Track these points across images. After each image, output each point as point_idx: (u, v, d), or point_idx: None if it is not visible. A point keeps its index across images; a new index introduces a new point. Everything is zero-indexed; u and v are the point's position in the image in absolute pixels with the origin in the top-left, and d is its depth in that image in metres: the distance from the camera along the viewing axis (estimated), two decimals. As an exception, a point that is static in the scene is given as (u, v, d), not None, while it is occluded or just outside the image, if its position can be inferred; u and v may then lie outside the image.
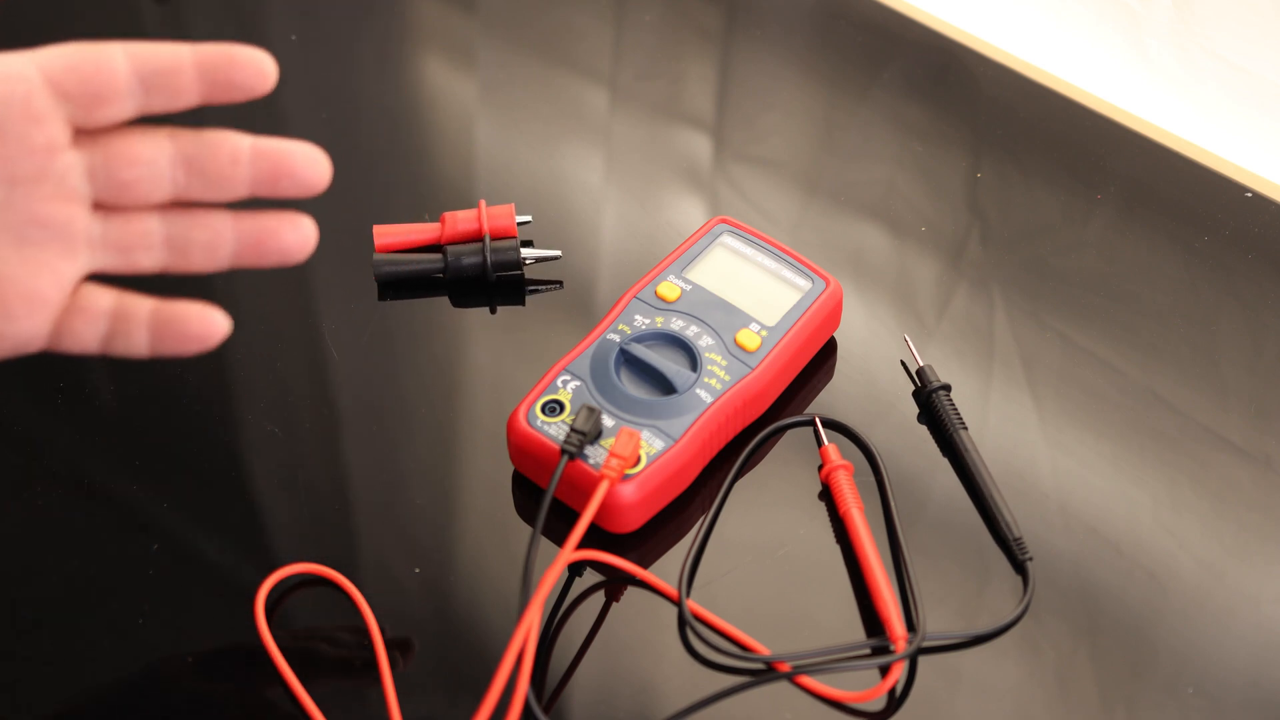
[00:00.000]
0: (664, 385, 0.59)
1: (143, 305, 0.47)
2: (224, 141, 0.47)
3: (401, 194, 0.75)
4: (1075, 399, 0.64)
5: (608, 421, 0.58)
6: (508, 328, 0.68)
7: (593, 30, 0.85)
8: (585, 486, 0.56)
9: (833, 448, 0.60)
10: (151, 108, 0.46)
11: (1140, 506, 0.60)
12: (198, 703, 0.54)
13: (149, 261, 0.47)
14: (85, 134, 0.45)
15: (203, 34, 0.85)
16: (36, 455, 0.62)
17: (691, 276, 0.64)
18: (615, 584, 0.57)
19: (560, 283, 0.69)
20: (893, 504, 0.59)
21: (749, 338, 0.61)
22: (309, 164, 0.48)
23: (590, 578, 0.57)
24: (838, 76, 0.82)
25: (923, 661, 0.55)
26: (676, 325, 0.61)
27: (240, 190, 0.48)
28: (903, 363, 0.65)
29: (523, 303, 0.68)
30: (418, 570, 0.58)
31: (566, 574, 0.57)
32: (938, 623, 0.55)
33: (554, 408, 0.58)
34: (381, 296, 0.68)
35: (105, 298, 0.46)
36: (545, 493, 0.54)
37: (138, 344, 0.47)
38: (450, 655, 0.56)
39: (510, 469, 0.60)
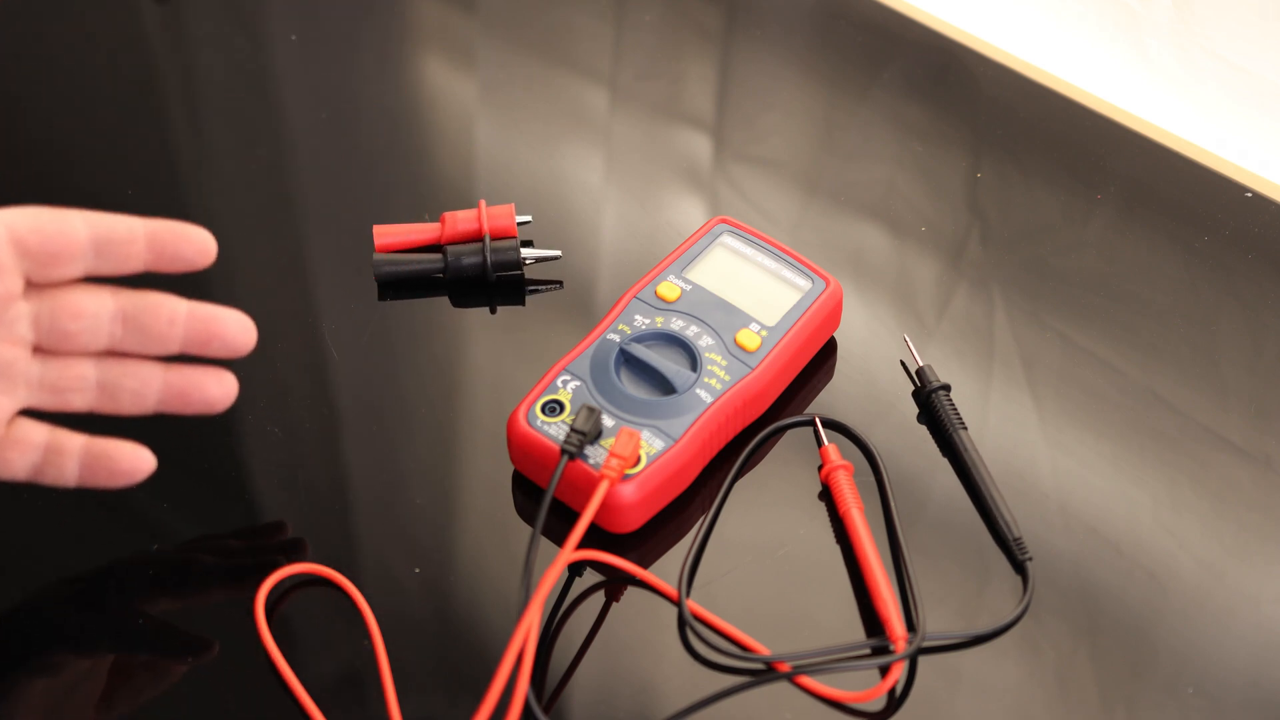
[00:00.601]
0: (664, 385, 0.59)
1: (74, 441, 0.52)
2: (163, 304, 0.52)
3: (401, 194, 0.75)
4: (1075, 399, 0.64)
5: (608, 421, 0.58)
6: (508, 328, 0.68)
7: (593, 30, 0.85)
8: (585, 486, 0.56)
9: (833, 448, 0.60)
10: (101, 270, 0.51)
11: (1140, 506, 0.60)
12: (198, 703, 0.54)
13: (80, 403, 0.52)
14: (36, 286, 0.50)
15: (203, 34, 0.86)
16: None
17: (691, 276, 0.64)
18: (615, 584, 0.57)
19: (560, 283, 0.69)
20: (893, 504, 0.59)
21: (749, 338, 0.61)
22: (239, 330, 0.53)
23: (590, 578, 0.57)
24: (838, 76, 0.82)
25: (923, 661, 0.55)
26: (676, 325, 0.61)
27: (173, 348, 0.53)
28: (902, 363, 0.65)
29: (523, 303, 0.68)
30: (418, 570, 0.58)
31: (566, 574, 0.57)
32: (938, 623, 0.55)
33: (554, 408, 0.58)
34: (381, 296, 0.68)
35: (39, 432, 0.52)
36: (545, 493, 0.54)
37: (68, 476, 0.53)
38: (450, 655, 0.56)
39: (510, 469, 0.60)
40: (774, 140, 0.79)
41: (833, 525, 0.59)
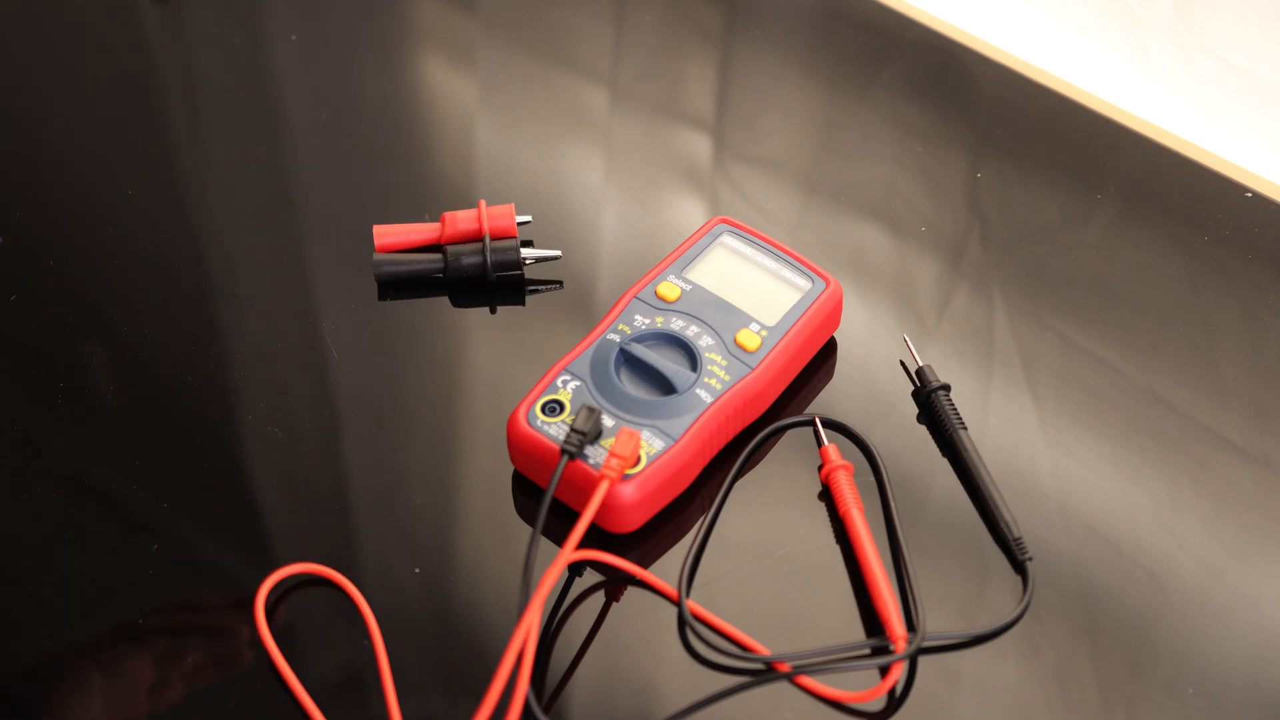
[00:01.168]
0: (664, 385, 0.59)
1: None
2: None
3: (401, 194, 0.75)
4: (1075, 399, 0.64)
5: (608, 421, 0.58)
6: (508, 328, 0.68)
7: (593, 30, 0.85)
8: (585, 486, 0.56)
9: (833, 448, 0.60)
10: None
11: (1140, 506, 0.60)
12: (198, 703, 0.54)
13: None
14: None
15: (203, 34, 0.86)
16: (36, 455, 0.62)
17: (691, 276, 0.64)
18: (615, 584, 0.57)
19: (560, 283, 0.69)
20: (893, 504, 0.59)
21: (749, 338, 0.61)
22: None
23: (590, 578, 0.57)
24: (838, 76, 0.82)
25: (923, 661, 0.55)
26: (676, 325, 0.61)
27: None
28: (902, 363, 0.65)
29: (523, 303, 0.68)
30: (418, 570, 0.58)
31: (566, 574, 0.57)
32: (938, 623, 0.55)
33: (554, 408, 0.58)
34: (381, 296, 0.68)
35: None
36: (545, 493, 0.54)
37: None
38: (450, 655, 0.56)
39: (510, 469, 0.60)
40: (774, 140, 0.79)
41: (833, 525, 0.59)
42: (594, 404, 0.58)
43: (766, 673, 0.54)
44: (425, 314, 0.68)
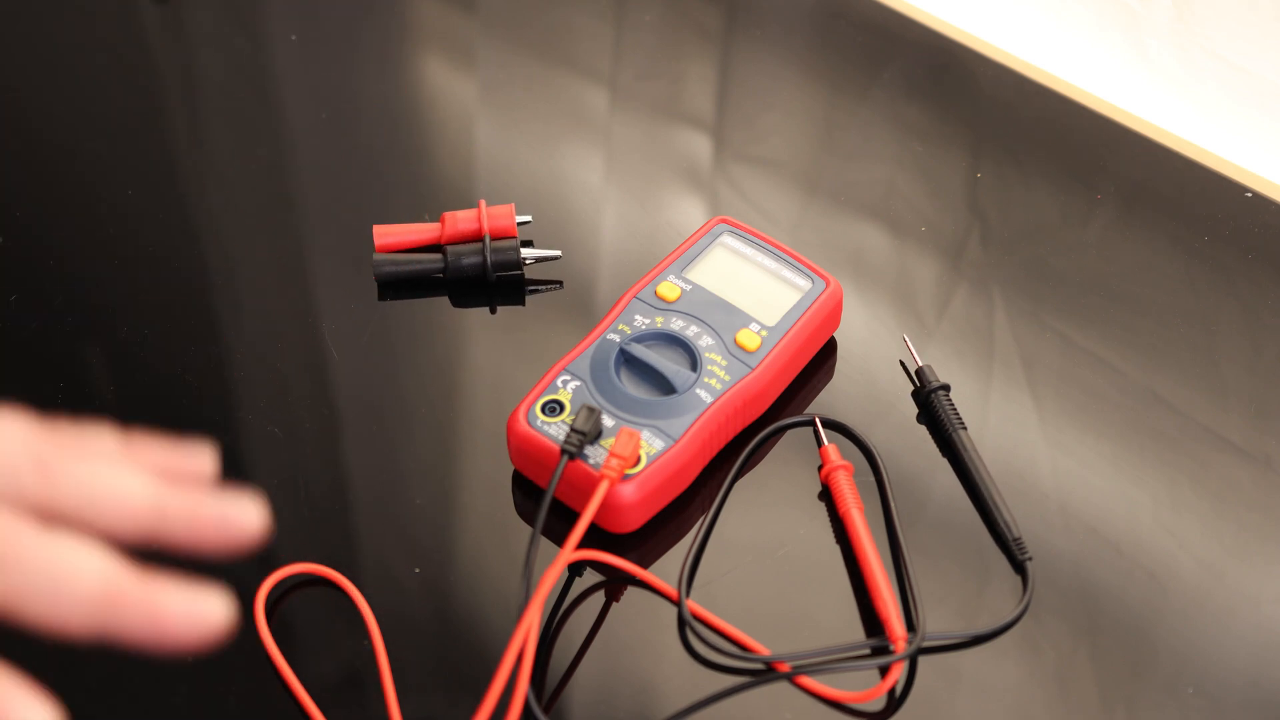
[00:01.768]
0: (664, 385, 0.59)
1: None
2: None
3: (401, 194, 0.75)
4: (1075, 399, 0.64)
5: (608, 421, 0.58)
6: (508, 328, 0.68)
7: (593, 30, 0.85)
8: (585, 486, 0.56)
9: (833, 448, 0.60)
10: None
11: (1140, 506, 0.60)
12: (198, 703, 0.54)
13: None
14: None
15: (203, 34, 0.86)
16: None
17: (691, 276, 0.64)
18: (615, 584, 0.57)
19: (560, 283, 0.69)
20: (892, 504, 0.59)
21: (749, 338, 0.61)
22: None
23: (590, 578, 0.57)
24: (838, 76, 0.82)
25: (922, 661, 0.55)
26: (676, 325, 0.61)
27: None
28: (902, 363, 0.65)
29: (523, 303, 0.68)
30: (418, 570, 0.58)
31: (566, 574, 0.57)
32: (937, 623, 0.55)
33: (554, 408, 0.58)
34: (381, 296, 0.68)
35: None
36: (545, 493, 0.54)
37: None
38: (450, 655, 0.56)
39: (510, 469, 0.60)
40: (774, 140, 0.79)
41: (833, 525, 0.59)
42: (594, 404, 0.58)
43: (766, 673, 0.54)
44: (425, 314, 0.68)
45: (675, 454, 0.57)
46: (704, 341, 0.61)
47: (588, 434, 0.56)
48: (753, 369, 0.60)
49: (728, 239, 0.65)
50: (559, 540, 0.57)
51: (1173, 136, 0.77)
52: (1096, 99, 0.79)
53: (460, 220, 0.69)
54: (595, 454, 0.56)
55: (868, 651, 0.55)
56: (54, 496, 0.38)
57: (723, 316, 0.62)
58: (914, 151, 0.77)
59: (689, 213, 0.74)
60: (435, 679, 0.55)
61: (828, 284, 0.64)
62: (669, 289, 0.63)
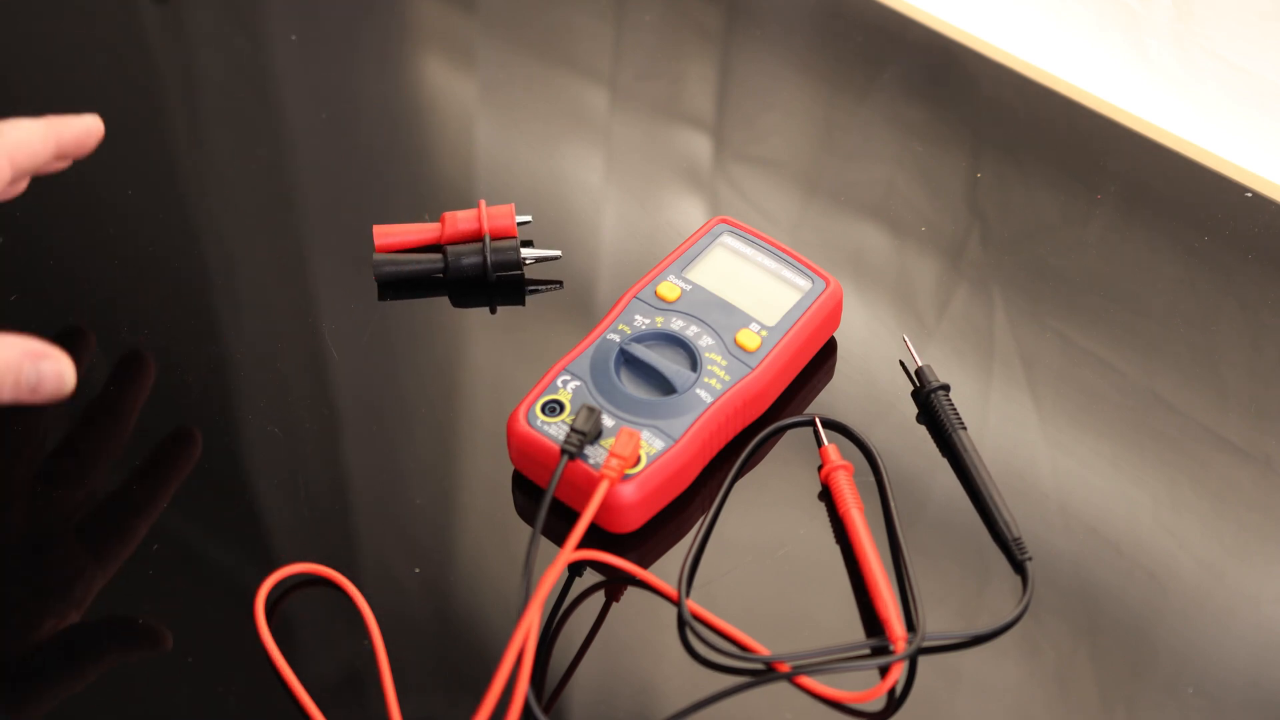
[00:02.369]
0: (664, 385, 0.59)
1: None
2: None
3: (401, 194, 0.75)
4: (1075, 399, 0.64)
5: (608, 421, 0.58)
6: (508, 328, 0.68)
7: (593, 30, 0.85)
8: (585, 486, 0.56)
9: (833, 448, 0.60)
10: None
11: (1140, 506, 0.60)
12: (198, 703, 0.54)
13: None
14: None
15: (203, 34, 0.86)
16: (36, 455, 0.62)
17: (691, 276, 0.64)
18: (615, 584, 0.57)
19: (560, 283, 0.69)
20: (892, 504, 0.59)
21: (749, 338, 0.61)
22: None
23: (590, 578, 0.57)
24: (838, 76, 0.82)
25: (922, 661, 0.55)
26: (676, 325, 0.61)
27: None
28: (901, 363, 0.65)
29: (523, 303, 0.68)
30: (418, 570, 0.58)
31: (566, 574, 0.57)
32: (937, 623, 0.55)
33: (554, 408, 0.58)
34: (381, 296, 0.68)
35: None
36: (545, 493, 0.54)
37: None
38: (450, 655, 0.56)
39: (510, 469, 0.60)
40: (774, 140, 0.79)
41: (833, 525, 0.59)
42: (594, 404, 0.58)
43: (766, 673, 0.54)
44: (425, 314, 0.68)
45: (675, 454, 0.57)
46: (704, 341, 0.61)
47: (588, 434, 0.56)
48: (753, 369, 0.60)
49: (728, 239, 0.65)
50: (559, 540, 0.57)
51: (1173, 136, 0.77)
52: (1096, 99, 0.79)
53: (460, 220, 0.69)
54: (595, 454, 0.56)
55: (868, 652, 0.55)
56: None
57: (723, 316, 0.62)
58: (914, 151, 0.77)
59: (689, 213, 0.74)
60: (435, 679, 0.55)
61: (828, 284, 0.64)
62: (669, 289, 0.63)
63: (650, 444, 0.57)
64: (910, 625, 0.55)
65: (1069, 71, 0.82)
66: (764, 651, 0.54)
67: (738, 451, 0.61)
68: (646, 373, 0.60)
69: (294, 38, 0.84)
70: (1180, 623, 0.57)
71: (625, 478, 0.56)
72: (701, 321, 0.62)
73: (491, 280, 0.68)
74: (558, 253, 0.69)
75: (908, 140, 0.77)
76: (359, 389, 0.65)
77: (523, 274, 0.69)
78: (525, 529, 0.59)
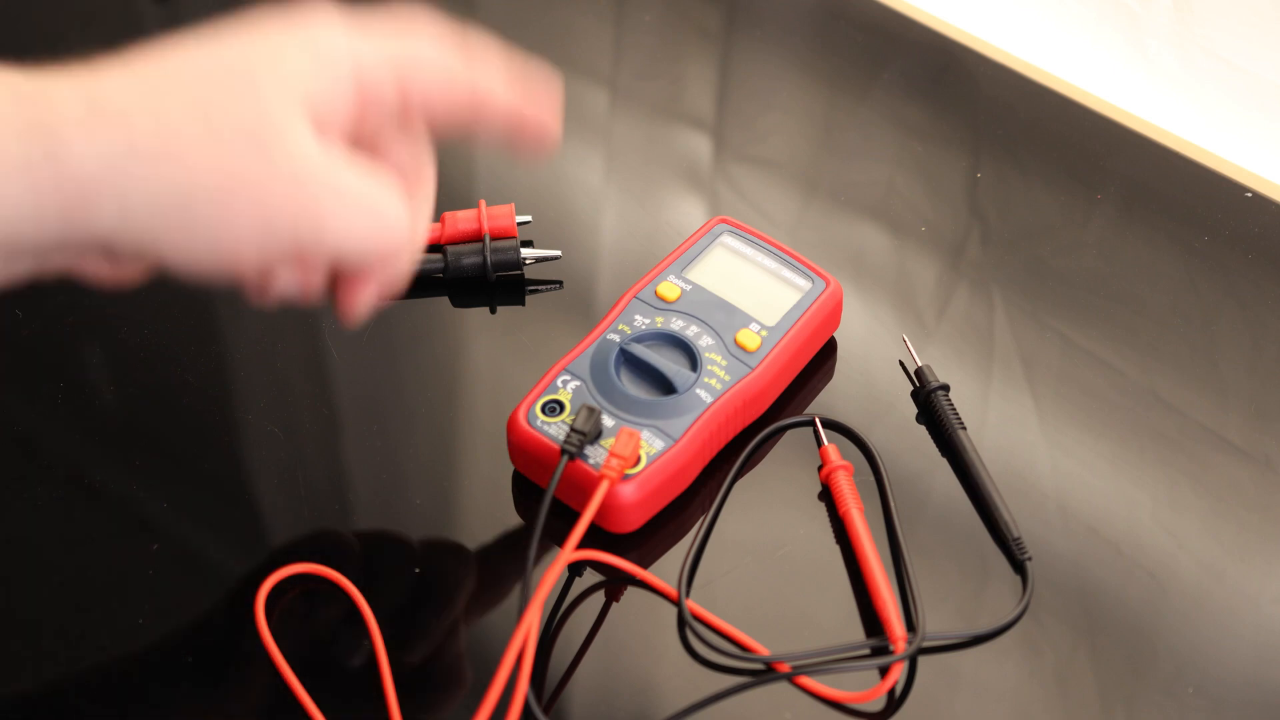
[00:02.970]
0: (664, 385, 0.59)
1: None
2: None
3: (401, 194, 0.75)
4: (1075, 399, 0.64)
5: (608, 421, 0.58)
6: (508, 328, 0.68)
7: (593, 30, 0.85)
8: (585, 486, 0.56)
9: (832, 448, 0.60)
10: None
11: (1140, 506, 0.60)
12: (198, 703, 0.54)
13: None
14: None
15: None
16: (36, 455, 0.62)
17: (691, 276, 0.64)
18: (615, 584, 0.57)
19: (560, 283, 0.69)
20: (892, 504, 0.59)
21: (749, 338, 0.61)
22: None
23: (590, 578, 0.57)
24: (838, 76, 0.82)
25: (922, 661, 0.55)
26: (676, 325, 0.61)
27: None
28: (901, 363, 0.65)
29: (523, 303, 0.68)
30: (418, 570, 0.58)
31: (566, 574, 0.57)
32: (937, 622, 0.55)
33: (554, 408, 0.58)
34: (381, 296, 0.68)
35: None
36: (545, 493, 0.54)
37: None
38: (450, 655, 0.56)
39: (510, 469, 0.60)
40: (774, 140, 0.79)
41: (832, 525, 0.59)
42: (594, 404, 0.58)
43: (766, 673, 0.54)
44: (425, 314, 0.68)
45: (675, 454, 0.57)
46: (704, 341, 0.61)
47: (588, 434, 0.56)
48: (753, 369, 0.60)
49: (728, 239, 0.65)
50: (559, 540, 0.57)
51: (1173, 136, 0.77)
52: (1096, 99, 0.79)
53: (460, 220, 0.69)
54: (595, 454, 0.56)
55: (868, 652, 0.55)
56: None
57: (723, 316, 0.62)
58: (914, 151, 0.77)
59: (689, 213, 0.74)
60: (435, 679, 0.55)
61: (828, 284, 0.64)
62: (669, 289, 0.63)
63: (650, 444, 0.57)
64: (910, 625, 0.55)
65: (1069, 71, 0.82)
66: (764, 651, 0.54)
67: (738, 451, 0.61)
68: (646, 373, 0.60)
69: (294, 38, 0.84)
70: (1180, 623, 0.57)
71: (625, 478, 0.56)
72: (701, 321, 0.62)
73: (491, 280, 0.68)
74: (558, 253, 0.69)
75: (908, 140, 0.77)
76: (359, 389, 0.65)
77: (523, 274, 0.69)
78: (525, 529, 0.59)
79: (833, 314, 0.64)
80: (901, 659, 0.53)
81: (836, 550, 0.58)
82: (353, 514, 0.60)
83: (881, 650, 0.54)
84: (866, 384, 0.64)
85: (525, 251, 0.68)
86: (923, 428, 0.63)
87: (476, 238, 0.69)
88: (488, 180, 0.76)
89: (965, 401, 0.63)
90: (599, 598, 0.57)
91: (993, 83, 0.81)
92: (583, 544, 0.56)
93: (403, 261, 0.47)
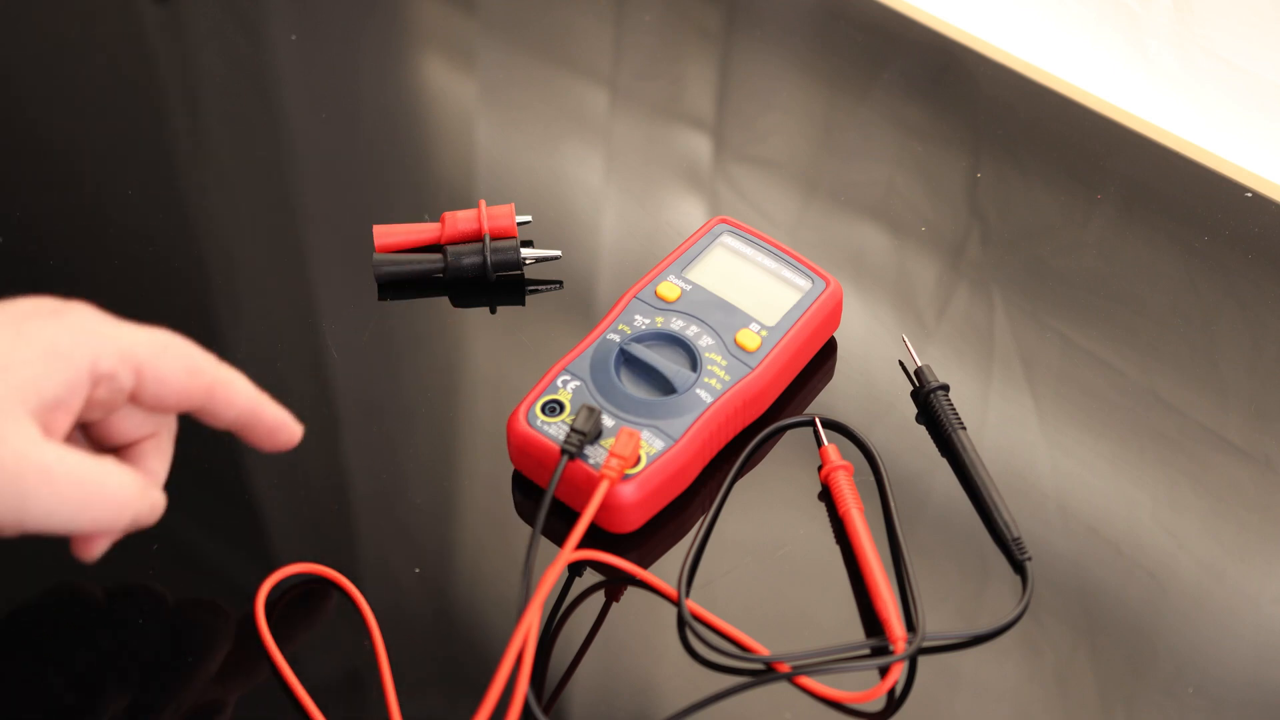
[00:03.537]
0: (664, 385, 0.59)
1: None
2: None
3: (401, 194, 0.75)
4: (1075, 399, 0.64)
5: (608, 421, 0.58)
6: (508, 328, 0.68)
7: (593, 30, 0.85)
8: (585, 486, 0.56)
9: (832, 448, 0.60)
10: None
11: (1140, 506, 0.60)
12: (198, 703, 0.54)
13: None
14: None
15: (203, 34, 0.86)
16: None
17: (691, 276, 0.64)
18: (615, 584, 0.57)
19: (560, 283, 0.69)
20: (892, 504, 0.59)
21: (749, 338, 0.61)
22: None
23: (590, 578, 0.57)
24: (838, 76, 0.82)
25: (922, 661, 0.55)
26: (676, 325, 0.61)
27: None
28: (900, 363, 0.65)
29: (523, 303, 0.68)
30: (418, 570, 0.58)
31: (566, 574, 0.57)
32: (937, 623, 0.55)
33: (554, 408, 0.58)
34: (381, 296, 0.68)
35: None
36: (545, 493, 0.54)
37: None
38: (450, 655, 0.56)
39: (510, 469, 0.60)
40: (774, 140, 0.79)
41: (832, 526, 0.59)
42: (594, 404, 0.58)
43: (766, 673, 0.54)
44: (425, 314, 0.68)
45: (675, 454, 0.57)
46: (704, 341, 0.61)
47: (588, 434, 0.56)
48: (753, 369, 0.60)
49: (728, 239, 0.65)
50: (559, 540, 0.57)
51: (1173, 136, 0.77)
52: (1096, 99, 0.79)
53: (460, 220, 0.69)
54: (595, 454, 0.56)
55: (867, 652, 0.55)
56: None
57: (723, 316, 0.62)
58: (914, 151, 0.77)
59: (689, 213, 0.74)
60: (435, 679, 0.55)
61: (828, 284, 0.64)
62: (669, 289, 0.63)
63: (650, 444, 0.57)
64: (910, 625, 0.55)
65: (1069, 71, 0.82)
66: (764, 651, 0.54)
67: (738, 451, 0.61)
68: (646, 373, 0.60)
69: (294, 38, 0.85)
70: (1180, 623, 0.57)
71: (625, 478, 0.56)
72: (701, 321, 0.62)
73: (491, 280, 0.68)
74: (558, 253, 0.69)
75: (908, 140, 0.77)
76: (359, 389, 0.65)
77: (523, 274, 0.69)
78: (525, 529, 0.59)
79: (833, 314, 0.64)
80: (901, 659, 0.53)
81: (836, 550, 0.58)
82: (353, 514, 0.60)
83: (881, 650, 0.54)
84: (866, 384, 0.64)
85: (525, 251, 0.68)
86: (923, 428, 0.63)
87: (476, 238, 0.69)
88: (488, 180, 0.76)
89: (965, 401, 0.63)
90: (599, 598, 0.57)
91: (993, 83, 0.81)
92: (583, 544, 0.56)
93: (129, 518, 0.50)
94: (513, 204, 0.70)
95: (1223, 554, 0.59)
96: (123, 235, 0.72)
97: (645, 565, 0.57)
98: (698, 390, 0.59)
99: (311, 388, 0.65)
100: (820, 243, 0.72)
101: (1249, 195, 0.73)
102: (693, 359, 0.60)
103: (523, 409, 0.58)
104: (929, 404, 0.62)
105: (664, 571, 0.57)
